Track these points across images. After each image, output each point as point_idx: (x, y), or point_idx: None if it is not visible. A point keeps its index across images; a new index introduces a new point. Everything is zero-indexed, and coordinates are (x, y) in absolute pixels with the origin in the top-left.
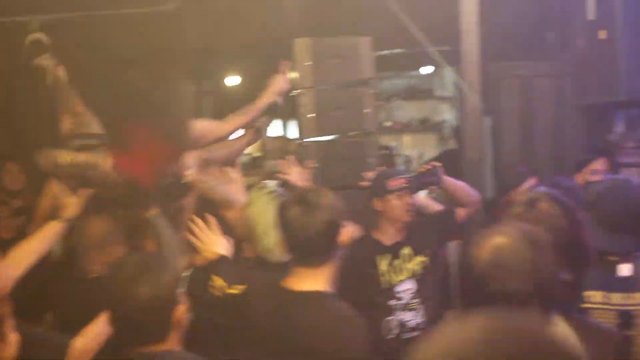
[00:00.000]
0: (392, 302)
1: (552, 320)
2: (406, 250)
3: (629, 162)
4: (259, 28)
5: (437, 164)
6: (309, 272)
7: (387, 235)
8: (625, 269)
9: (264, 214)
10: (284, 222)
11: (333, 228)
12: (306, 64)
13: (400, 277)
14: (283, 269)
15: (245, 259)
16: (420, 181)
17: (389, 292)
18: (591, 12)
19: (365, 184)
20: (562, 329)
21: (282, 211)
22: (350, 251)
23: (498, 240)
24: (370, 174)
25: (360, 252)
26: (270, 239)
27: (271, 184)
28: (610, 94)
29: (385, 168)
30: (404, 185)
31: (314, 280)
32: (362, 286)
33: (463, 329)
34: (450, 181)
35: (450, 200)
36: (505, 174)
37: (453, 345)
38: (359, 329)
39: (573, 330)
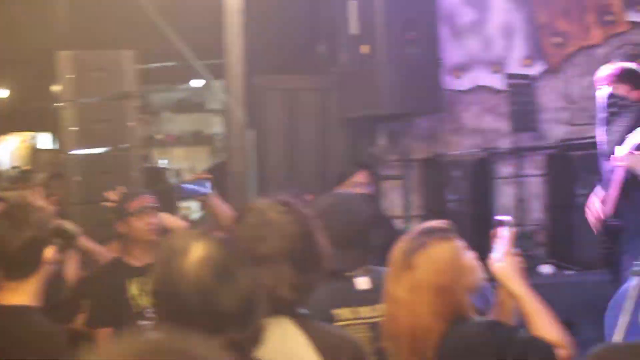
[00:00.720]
0: (142, 323)
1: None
2: None
3: (391, 175)
4: (26, 40)
5: (207, 175)
6: (13, 285)
7: (137, 257)
8: (362, 282)
9: None
10: None
11: (36, 244)
12: (68, 76)
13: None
14: None
15: None
16: (187, 191)
17: (140, 315)
18: (354, 27)
19: (108, 204)
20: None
21: None
22: (101, 277)
23: (199, 254)
24: (112, 194)
25: (109, 278)
26: None
27: None
28: (372, 108)
29: (127, 190)
30: (144, 205)
31: (19, 294)
32: (114, 312)
33: (122, 347)
34: (216, 199)
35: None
36: (269, 187)
37: None
38: (58, 345)
39: (307, 335)
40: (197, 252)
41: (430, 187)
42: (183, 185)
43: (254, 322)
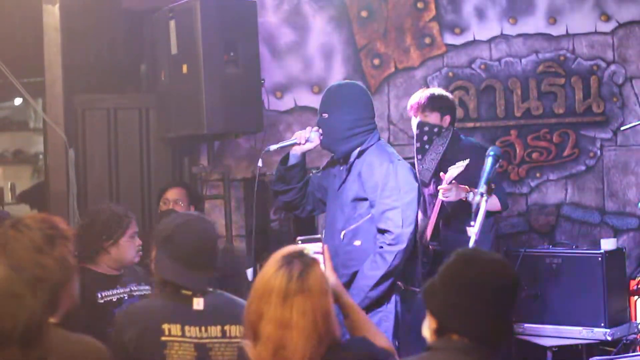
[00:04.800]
0: None
1: None
2: None
3: (213, 194)
4: None
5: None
6: None
7: None
8: (197, 303)
9: None
10: None
11: None
12: None
13: None
14: None
15: None
16: None
17: None
18: (174, 46)
19: None
20: None
21: None
22: None
23: None
24: None
25: None
26: None
27: None
28: (193, 127)
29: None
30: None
31: None
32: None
33: None
34: None
35: None
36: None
37: None
38: None
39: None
40: None
41: (253, 206)
42: None
43: (39, 343)
